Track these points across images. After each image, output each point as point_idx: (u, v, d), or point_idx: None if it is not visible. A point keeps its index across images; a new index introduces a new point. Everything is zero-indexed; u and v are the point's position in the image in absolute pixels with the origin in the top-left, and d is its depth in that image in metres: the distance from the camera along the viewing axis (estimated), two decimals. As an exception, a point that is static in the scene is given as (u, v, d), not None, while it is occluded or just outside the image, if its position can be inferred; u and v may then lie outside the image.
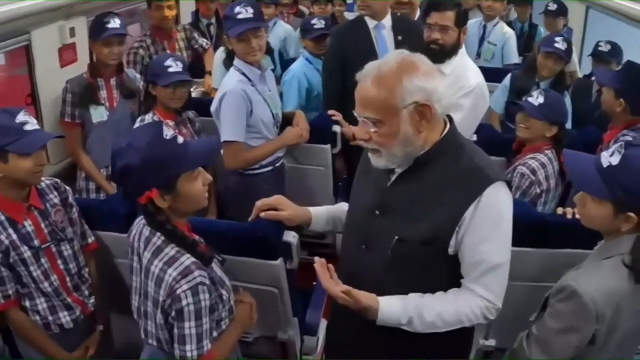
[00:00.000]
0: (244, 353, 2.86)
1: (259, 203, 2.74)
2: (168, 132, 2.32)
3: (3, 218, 2.79)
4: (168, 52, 5.20)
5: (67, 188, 3.08)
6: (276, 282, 2.95)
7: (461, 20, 3.87)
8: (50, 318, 2.97)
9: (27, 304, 2.92)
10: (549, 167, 3.63)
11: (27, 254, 2.84)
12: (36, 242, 2.87)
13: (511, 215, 2.33)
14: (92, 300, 3.12)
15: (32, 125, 2.74)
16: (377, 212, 2.41)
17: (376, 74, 2.23)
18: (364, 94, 2.25)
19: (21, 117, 2.71)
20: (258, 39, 3.71)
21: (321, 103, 4.87)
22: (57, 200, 2.99)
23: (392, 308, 2.31)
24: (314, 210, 2.78)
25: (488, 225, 2.25)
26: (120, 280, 3.27)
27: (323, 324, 3.48)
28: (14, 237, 2.80)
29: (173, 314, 2.30)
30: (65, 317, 3.01)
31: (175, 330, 2.32)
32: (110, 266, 3.28)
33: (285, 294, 3.01)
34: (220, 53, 5.23)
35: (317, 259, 2.39)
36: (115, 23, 4.13)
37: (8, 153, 2.68)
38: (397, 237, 2.32)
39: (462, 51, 3.96)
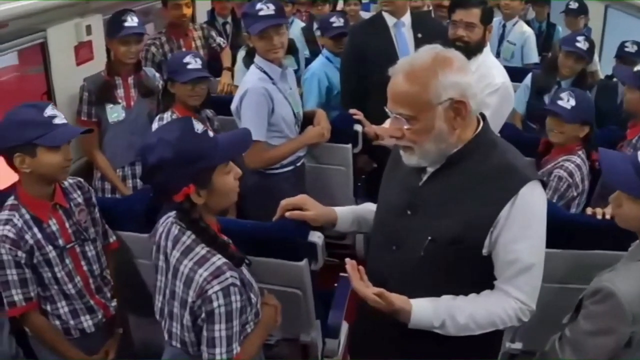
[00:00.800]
0: (264, 355, 2.80)
1: (284, 202, 2.69)
2: (198, 126, 2.29)
3: (28, 217, 2.73)
4: (183, 49, 5.15)
5: (90, 187, 3.03)
6: (300, 284, 2.90)
7: (486, 18, 3.82)
8: (72, 322, 2.91)
9: (48, 307, 2.86)
10: (584, 168, 3.59)
11: (52, 254, 2.78)
12: (60, 242, 2.81)
13: (545, 215, 2.28)
14: (114, 303, 3.06)
15: (60, 118, 2.69)
16: (409, 212, 2.36)
17: (409, 69, 2.18)
18: (397, 89, 2.20)
19: (49, 111, 2.67)
20: (280, 36, 3.65)
21: (341, 101, 4.81)
22: (80, 200, 2.94)
23: (425, 310, 2.25)
24: (339, 210, 2.73)
25: (522, 224, 2.20)
26: (139, 280, 3.22)
27: (344, 326, 3.43)
28: (39, 236, 2.74)
29: (203, 315, 2.24)
30: (87, 321, 2.95)
31: (204, 332, 2.27)
32: (129, 266, 3.23)
33: (308, 296, 2.96)
34: (242, 52, 5.16)
35: (347, 260, 2.33)
36: (132, 21, 4.08)
37: (36, 147, 2.62)
38: (429, 237, 2.27)
39: (487, 49, 3.90)
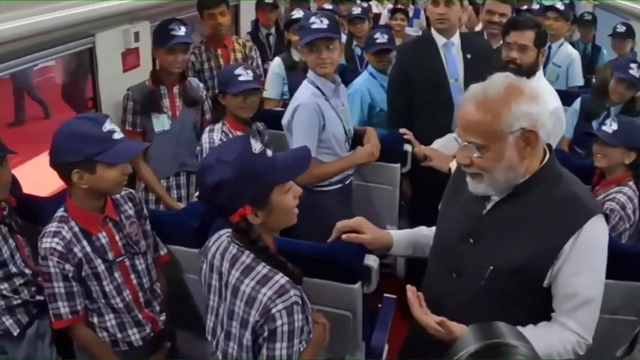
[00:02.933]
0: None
1: (340, 225, 2.69)
2: (256, 146, 2.24)
3: (77, 229, 2.68)
4: (221, 60, 5.16)
5: (141, 199, 2.98)
6: (351, 306, 2.86)
7: (540, 41, 3.79)
8: (119, 335, 2.86)
9: (95, 320, 2.81)
10: (635, 200, 3.56)
11: (100, 267, 2.73)
12: (110, 255, 2.76)
13: (606, 249, 2.26)
14: (163, 317, 3.00)
15: (118, 133, 2.63)
16: (471, 240, 2.34)
17: (482, 98, 2.17)
18: (469, 117, 2.19)
19: (108, 126, 2.59)
20: (329, 51, 3.59)
21: (383, 120, 4.76)
22: (131, 212, 2.89)
23: None
24: (395, 234, 2.72)
25: (585, 258, 2.19)
26: (187, 295, 3.18)
27: (385, 349, 3.37)
28: (88, 249, 2.70)
29: (265, 334, 2.20)
30: (134, 334, 2.90)
31: (264, 351, 2.22)
32: (178, 280, 3.20)
33: (358, 318, 2.91)
34: (276, 62, 5.17)
35: (408, 286, 2.32)
36: (180, 30, 4.05)
37: (96, 163, 2.57)
38: (491, 267, 2.26)
39: (540, 73, 3.87)
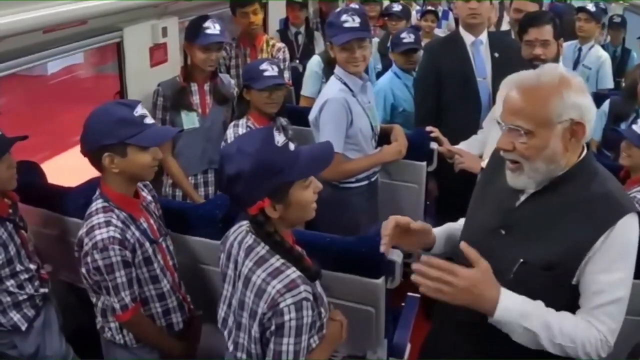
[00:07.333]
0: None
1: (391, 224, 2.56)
2: (279, 138, 2.21)
3: (122, 216, 2.67)
4: (248, 59, 5.15)
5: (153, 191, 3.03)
6: (374, 301, 2.84)
7: (557, 32, 3.82)
8: (162, 320, 2.86)
9: (140, 309, 2.78)
10: None
11: (150, 250, 2.74)
12: (152, 238, 2.78)
13: (636, 248, 2.20)
14: (189, 298, 3.02)
15: (149, 118, 2.65)
16: (502, 232, 2.31)
17: (536, 83, 2.16)
18: (520, 101, 2.17)
19: (139, 110, 2.62)
20: (362, 49, 3.58)
21: (406, 119, 4.77)
22: (150, 198, 2.93)
23: (515, 299, 2.14)
24: (435, 232, 2.64)
25: (615, 256, 2.14)
26: (209, 288, 3.18)
27: (408, 347, 3.34)
28: (137, 234, 2.70)
29: (272, 327, 2.18)
30: (177, 318, 2.90)
31: (271, 345, 2.19)
32: (200, 273, 3.20)
33: (381, 314, 2.89)
34: (315, 60, 5.10)
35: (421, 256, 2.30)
36: (215, 28, 4.02)
37: (127, 146, 2.58)
38: (521, 260, 2.21)
39: (560, 64, 3.83)
